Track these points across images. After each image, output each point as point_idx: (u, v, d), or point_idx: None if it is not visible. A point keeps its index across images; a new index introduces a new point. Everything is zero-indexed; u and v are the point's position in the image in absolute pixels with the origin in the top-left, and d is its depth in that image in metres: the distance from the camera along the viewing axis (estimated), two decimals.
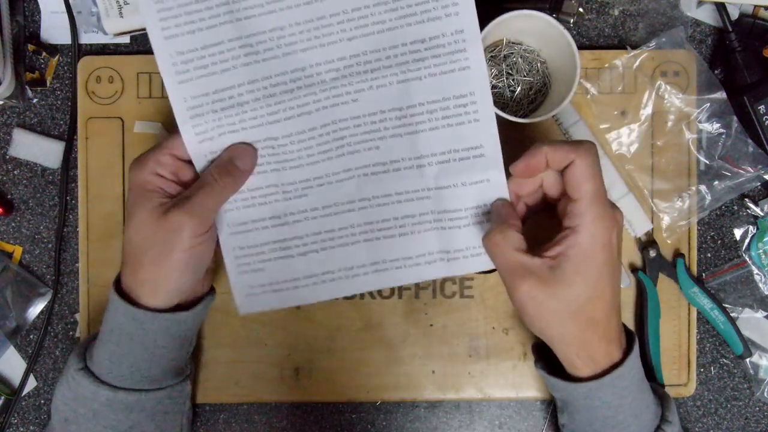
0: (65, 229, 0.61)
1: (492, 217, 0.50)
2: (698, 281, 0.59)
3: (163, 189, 0.50)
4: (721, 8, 0.59)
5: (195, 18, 0.49)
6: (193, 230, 0.48)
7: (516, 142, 0.60)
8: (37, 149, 0.61)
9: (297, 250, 0.54)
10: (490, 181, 0.51)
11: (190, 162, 0.52)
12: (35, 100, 0.62)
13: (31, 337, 0.61)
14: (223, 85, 0.50)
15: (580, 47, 0.57)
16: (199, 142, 0.51)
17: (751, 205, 0.61)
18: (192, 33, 0.49)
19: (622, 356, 0.48)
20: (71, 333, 0.61)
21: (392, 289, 0.60)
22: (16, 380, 0.61)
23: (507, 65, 0.57)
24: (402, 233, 0.53)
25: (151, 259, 0.49)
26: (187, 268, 0.49)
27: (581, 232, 0.45)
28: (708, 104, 0.59)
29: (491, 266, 0.51)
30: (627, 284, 0.60)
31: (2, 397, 0.61)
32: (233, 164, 0.50)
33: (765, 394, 0.61)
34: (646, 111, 0.60)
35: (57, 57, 0.61)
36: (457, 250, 0.53)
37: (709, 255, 0.62)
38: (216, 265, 0.57)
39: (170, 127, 0.60)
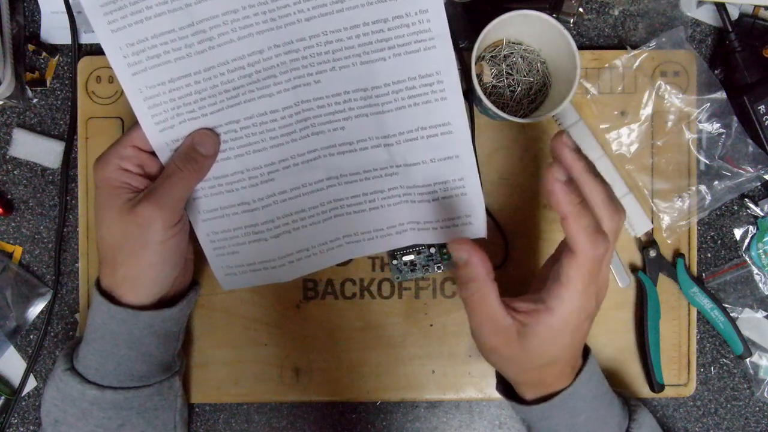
0: (65, 229, 0.61)
1: (467, 272, 0.45)
2: (698, 281, 0.59)
3: (129, 184, 0.49)
4: (721, 8, 0.58)
5: (141, 7, 0.47)
6: (164, 222, 0.48)
7: (516, 142, 0.60)
8: (37, 149, 0.61)
9: (269, 233, 0.54)
10: (459, 156, 0.51)
11: (154, 153, 0.51)
12: (35, 100, 0.62)
13: (31, 337, 0.61)
14: (179, 74, 0.49)
15: (580, 47, 0.57)
16: (160, 131, 0.50)
17: (751, 205, 0.61)
18: (140, 23, 0.48)
19: (574, 377, 0.48)
20: (71, 333, 0.61)
21: (392, 289, 0.60)
22: (16, 380, 0.61)
23: (507, 65, 0.57)
24: (372, 207, 0.54)
25: (126, 257, 0.48)
26: (164, 262, 0.49)
27: (556, 315, 0.44)
28: (708, 104, 0.59)
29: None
30: (627, 284, 0.60)
31: (2, 397, 0.61)
32: (196, 150, 0.50)
33: (765, 394, 0.61)
34: (646, 111, 0.60)
35: (57, 57, 0.61)
36: (426, 221, 0.54)
37: (709, 255, 0.62)
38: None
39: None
